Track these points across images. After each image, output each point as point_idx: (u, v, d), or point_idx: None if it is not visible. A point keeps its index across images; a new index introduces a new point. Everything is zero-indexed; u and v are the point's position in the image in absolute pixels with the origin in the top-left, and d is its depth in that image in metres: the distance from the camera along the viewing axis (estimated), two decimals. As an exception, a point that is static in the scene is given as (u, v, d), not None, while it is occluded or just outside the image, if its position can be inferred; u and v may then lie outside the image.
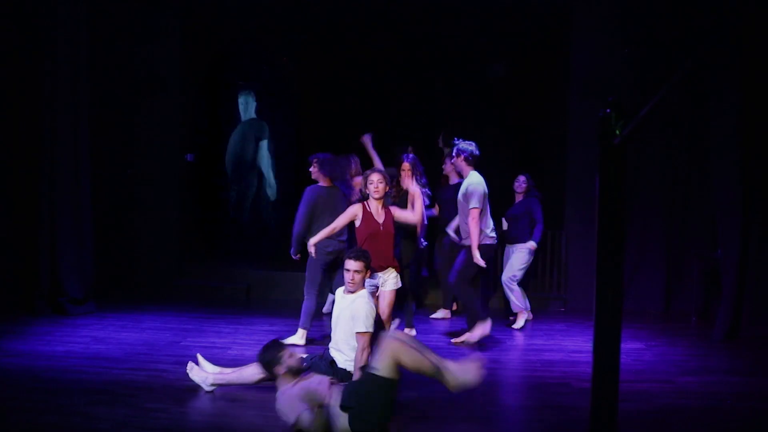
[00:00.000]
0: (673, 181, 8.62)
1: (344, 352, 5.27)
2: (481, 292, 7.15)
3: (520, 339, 7.34)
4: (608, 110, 3.27)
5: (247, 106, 10.59)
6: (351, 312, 5.19)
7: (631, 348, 6.75)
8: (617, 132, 3.24)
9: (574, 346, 6.99)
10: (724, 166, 7.40)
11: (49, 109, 7.69)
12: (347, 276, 5.26)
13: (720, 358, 6.68)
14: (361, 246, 5.98)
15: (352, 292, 5.29)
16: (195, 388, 5.32)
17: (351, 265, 5.25)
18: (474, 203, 6.57)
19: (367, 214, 6.00)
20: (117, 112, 8.95)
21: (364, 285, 5.38)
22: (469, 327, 6.78)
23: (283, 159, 11.08)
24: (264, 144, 10.46)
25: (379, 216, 6.00)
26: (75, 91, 7.82)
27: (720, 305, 7.41)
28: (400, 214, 6.17)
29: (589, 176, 8.37)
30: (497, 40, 10.20)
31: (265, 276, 9.17)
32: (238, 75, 11.05)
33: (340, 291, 5.42)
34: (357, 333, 5.12)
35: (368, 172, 6.10)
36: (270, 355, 4.74)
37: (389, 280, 6.00)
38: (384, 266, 5.96)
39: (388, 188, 6.11)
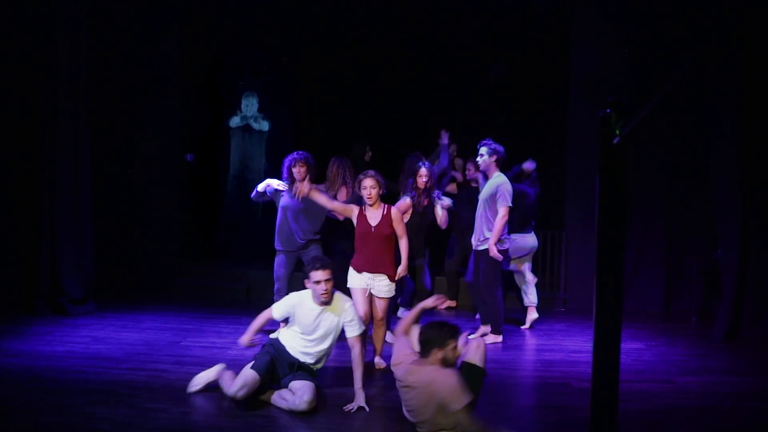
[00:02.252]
0: (673, 181, 8.62)
1: (315, 356, 5.29)
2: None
3: (519, 339, 7.33)
4: (608, 110, 3.27)
5: (250, 107, 10.57)
6: (339, 322, 5.23)
7: (631, 348, 6.75)
8: (617, 132, 3.24)
9: (574, 346, 6.99)
10: (724, 166, 7.40)
11: (50, 109, 7.69)
12: (321, 287, 5.10)
13: (720, 358, 6.68)
14: (358, 247, 5.99)
15: (327, 303, 5.20)
16: (195, 388, 5.34)
17: (319, 275, 5.10)
18: (508, 201, 6.77)
19: (361, 216, 6.01)
20: (117, 112, 8.94)
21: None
22: (484, 322, 7.12)
23: (282, 159, 11.05)
24: (263, 136, 10.47)
25: (373, 218, 5.99)
26: (75, 91, 7.82)
27: (720, 305, 7.41)
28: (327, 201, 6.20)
29: (589, 176, 8.37)
30: (497, 40, 10.19)
31: (265, 276, 9.13)
32: (238, 75, 11.04)
33: (308, 300, 5.26)
34: (354, 336, 5.21)
35: (361, 176, 6.05)
36: (436, 335, 4.54)
37: (382, 287, 5.99)
38: (376, 270, 5.96)
39: (382, 192, 6.05)
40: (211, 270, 9.52)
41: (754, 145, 7.22)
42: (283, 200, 6.94)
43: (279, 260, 7.00)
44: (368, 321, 5.99)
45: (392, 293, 6.09)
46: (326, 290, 5.12)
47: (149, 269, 9.08)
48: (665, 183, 8.61)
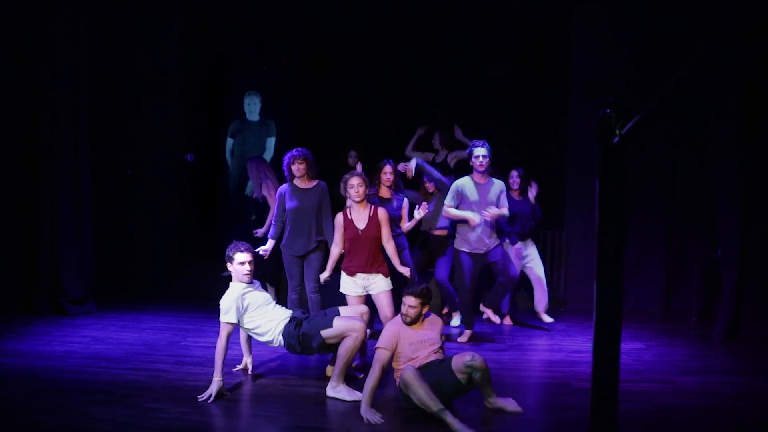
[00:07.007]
0: (673, 181, 8.62)
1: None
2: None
3: (519, 339, 7.34)
4: (608, 110, 3.27)
5: (252, 107, 10.55)
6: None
7: (631, 348, 6.76)
8: (617, 132, 3.24)
9: (574, 346, 7.00)
10: (724, 166, 7.40)
11: (50, 110, 7.70)
12: (245, 268, 5.46)
13: (720, 358, 6.68)
14: (347, 251, 6.00)
15: (250, 282, 5.57)
16: (195, 388, 5.33)
17: (244, 257, 5.47)
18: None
19: (347, 222, 6.01)
20: (117, 112, 8.94)
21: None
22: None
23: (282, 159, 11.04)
24: (271, 141, 10.44)
25: (360, 221, 5.98)
26: (75, 92, 7.82)
27: (720, 305, 7.41)
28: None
29: (589, 176, 8.37)
30: (497, 40, 10.20)
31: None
32: (238, 75, 11.04)
33: (244, 286, 5.51)
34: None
35: (346, 176, 6.02)
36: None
37: (379, 284, 5.97)
38: (370, 270, 5.95)
39: (368, 190, 6.05)
40: (211, 270, 9.51)
41: (754, 145, 7.22)
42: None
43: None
44: (367, 323, 5.88)
45: (391, 285, 6.03)
46: (250, 270, 5.48)
47: (149, 269, 9.08)
48: (665, 183, 8.62)
